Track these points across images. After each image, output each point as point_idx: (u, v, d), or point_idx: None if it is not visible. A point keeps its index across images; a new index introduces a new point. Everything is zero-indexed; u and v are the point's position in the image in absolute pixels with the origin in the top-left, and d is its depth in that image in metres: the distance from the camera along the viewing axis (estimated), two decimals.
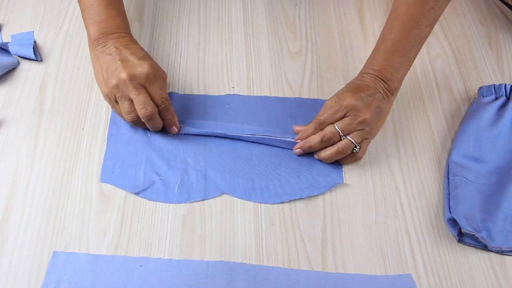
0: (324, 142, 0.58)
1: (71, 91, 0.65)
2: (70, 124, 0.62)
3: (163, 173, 0.58)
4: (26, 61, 0.68)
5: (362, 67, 0.61)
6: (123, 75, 0.55)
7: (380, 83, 0.58)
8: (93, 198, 0.56)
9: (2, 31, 0.71)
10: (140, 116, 0.57)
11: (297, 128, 0.61)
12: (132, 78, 0.55)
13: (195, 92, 0.66)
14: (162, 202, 0.56)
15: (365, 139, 0.59)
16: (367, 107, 0.57)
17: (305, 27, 0.74)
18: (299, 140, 0.60)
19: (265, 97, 0.66)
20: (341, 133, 0.57)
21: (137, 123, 0.59)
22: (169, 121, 0.60)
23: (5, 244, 0.53)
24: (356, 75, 0.61)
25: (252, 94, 0.66)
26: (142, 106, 0.56)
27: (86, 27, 0.61)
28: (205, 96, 0.66)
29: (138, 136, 0.61)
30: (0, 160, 0.58)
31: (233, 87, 0.67)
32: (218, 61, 0.70)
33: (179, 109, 0.64)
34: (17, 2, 0.75)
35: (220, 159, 0.60)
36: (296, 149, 0.60)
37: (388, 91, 0.58)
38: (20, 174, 0.57)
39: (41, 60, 0.68)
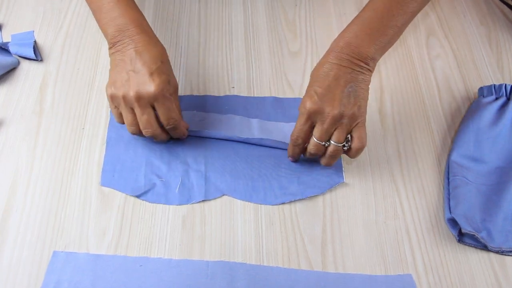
0: (313, 155, 0.56)
1: (71, 91, 0.65)
2: (70, 124, 0.62)
3: (164, 175, 0.58)
4: (26, 61, 0.68)
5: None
6: (131, 93, 0.53)
7: (348, 57, 0.53)
8: (93, 198, 0.56)
9: (2, 31, 0.71)
10: (143, 134, 0.56)
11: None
12: (139, 98, 0.53)
13: (195, 93, 0.66)
14: (163, 204, 0.56)
15: (354, 128, 0.54)
16: (331, 102, 0.52)
17: (305, 27, 0.74)
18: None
19: (265, 97, 0.66)
20: (322, 143, 0.54)
21: (139, 134, 0.57)
22: (178, 136, 0.59)
23: (5, 244, 0.53)
24: None
25: (252, 94, 0.66)
26: (144, 127, 0.55)
27: (102, 29, 0.58)
28: (204, 96, 0.66)
29: (138, 139, 0.61)
30: (0, 160, 0.58)
31: (233, 87, 0.67)
32: (218, 61, 0.70)
33: None
34: (17, 2, 0.75)
35: (220, 160, 0.60)
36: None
37: (359, 60, 0.53)
38: (20, 174, 0.57)
39: (41, 60, 0.68)
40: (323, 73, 0.53)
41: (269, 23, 0.75)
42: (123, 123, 0.57)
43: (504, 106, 0.62)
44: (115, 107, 0.56)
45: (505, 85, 0.63)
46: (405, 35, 0.74)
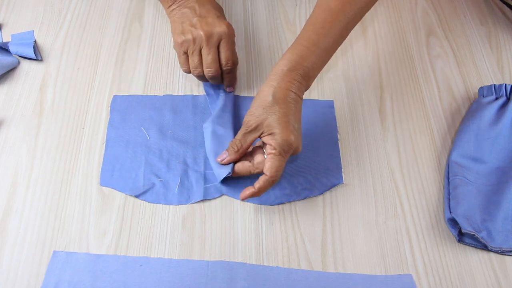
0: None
1: (71, 91, 0.65)
2: (70, 124, 0.62)
3: (163, 175, 0.58)
4: (26, 61, 0.68)
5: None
6: (201, 33, 0.58)
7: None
8: (93, 198, 0.56)
9: (2, 31, 0.71)
10: (205, 74, 0.60)
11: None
12: (209, 36, 0.58)
13: (195, 93, 0.66)
14: (163, 204, 0.56)
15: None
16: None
17: None
18: None
19: None
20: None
21: (201, 78, 0.62)
22: (229, 82, 0.63)
23: (5, 244, 0.53)
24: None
25: (252, 94, 0.66)
26: (208, 66, 0.59)
27: None
28: (204, 96, 0.66)
29: (137, 139, 0.61)
30: (0, 160, 0.58)
31: None
32: None
33: (178, 110, 0.64)
34: (17, 2, 0.75)
35: None
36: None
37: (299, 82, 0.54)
38: (20, 174, 0.57)
39: (41, 60, 0.68)
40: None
41: (269, 23, 0.75)
42: (189, 71, 0.62)
43: (504, 106, 0.62)
44: (184, 53, 0.60)
45: (505, 85, 0.63)
46: (405, 35, 0.75)
